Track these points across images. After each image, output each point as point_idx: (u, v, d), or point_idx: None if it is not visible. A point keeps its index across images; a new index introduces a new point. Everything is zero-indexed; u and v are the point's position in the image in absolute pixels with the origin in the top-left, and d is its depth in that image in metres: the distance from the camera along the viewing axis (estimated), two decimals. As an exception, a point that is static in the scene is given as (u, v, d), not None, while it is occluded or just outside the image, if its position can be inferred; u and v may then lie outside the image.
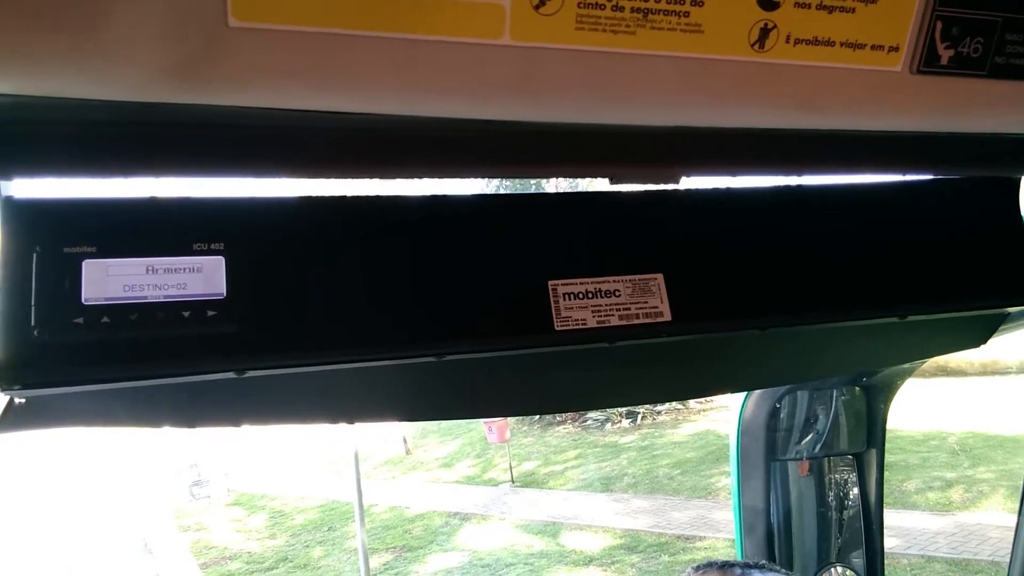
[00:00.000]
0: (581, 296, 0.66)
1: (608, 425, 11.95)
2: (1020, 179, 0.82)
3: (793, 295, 0.72)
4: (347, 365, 0.62)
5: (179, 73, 0.41)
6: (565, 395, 0.82)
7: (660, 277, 0.68)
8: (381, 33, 0.43)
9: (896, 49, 0.55)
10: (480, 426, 11.36)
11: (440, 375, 0.68)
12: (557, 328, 0.65)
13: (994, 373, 10.13)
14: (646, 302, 0.67)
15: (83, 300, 0.54)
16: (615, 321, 0.66)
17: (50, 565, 8.28)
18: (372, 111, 0.48)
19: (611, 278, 0.67)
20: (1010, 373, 10.31)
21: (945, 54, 0.56)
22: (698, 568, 0.70)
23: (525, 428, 12.14)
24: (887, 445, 1.66)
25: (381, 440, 13.38)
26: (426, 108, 0.49)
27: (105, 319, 0.54)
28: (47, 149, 0.50)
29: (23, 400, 0.58)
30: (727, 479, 8.64)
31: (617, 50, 0.49)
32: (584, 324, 0.66)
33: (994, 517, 6.53)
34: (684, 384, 0.85)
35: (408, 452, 13.24)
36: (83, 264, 0.55)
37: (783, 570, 0.69)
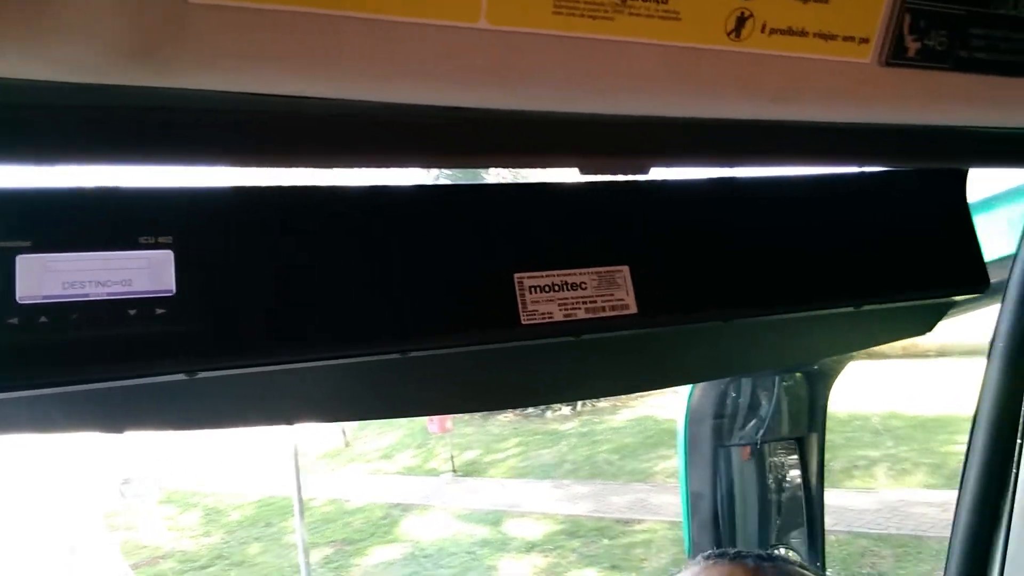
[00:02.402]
0: (547, 289, 0.65)
1: (549, 413, 12.04)
2: (967, 171, 0.84)
3: (756, 286, 0.72)
4: (306, 364, 0.60)
5: (135, 53, 0.37)
6: (531, 389, 0.81)
7: (626, 269, 0.68)
8: (350, 13, 0.41)
9: (866, 41, 0.55)
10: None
11: (403, 371, 0.66)
12: (524, 322, 0.63)
13: (914, 356, 10.62)
14: (612, 294, 0.67)
15: (17, 299, 0.50)
16: (582, 314, 0.65)
17: (-33, 572, 7.89)
18: (339, 96, 0.45)
19: (577, 271, 0.66)
20: (929, 356, 10.82)
21: (912, 47, 0.56)
22: (708, 556, 0.70)
23: (467, 418, 12.13)
24: None
25: (319, 433, 13.17)
26: (396, 94, 0.47)
27: (43, 319, 0.50)
28: None
29: None
30: (664, 463, 8.83)
31: (594, 36, 0.47)
32: (551, 317, 0.64)
33: (916, 494, 6.87)
34: (650, 375, 0.85)
35: (347, 444, 13.07)
36: (16, 259, 0.51)
37: (794, 560, 0.70)
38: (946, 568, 1.10)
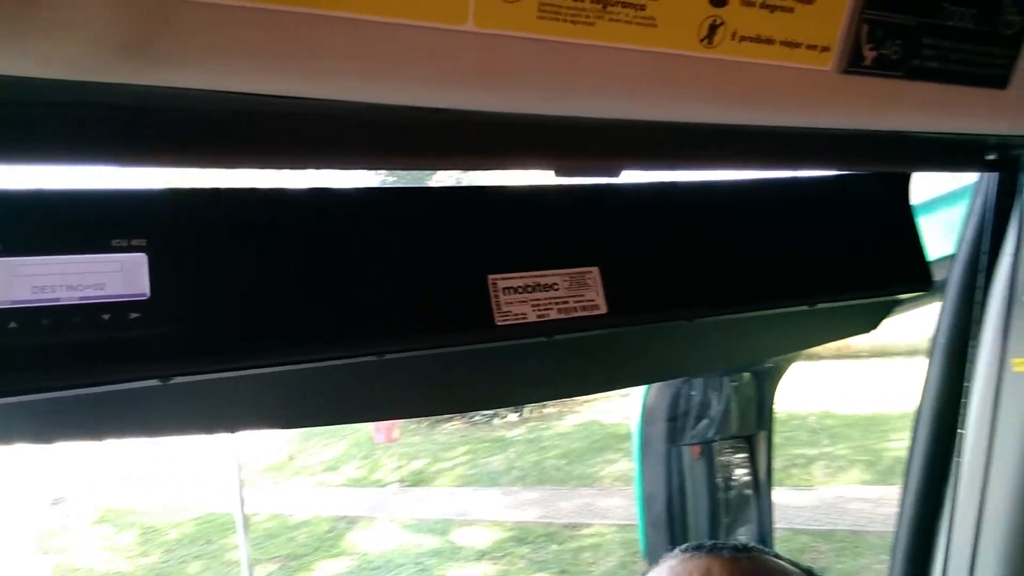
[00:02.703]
0: (520, 290, 0.66)
1: (496, 420, 12.04)
2: (911, 175, 0.89)
3: (716, 286, 0.74)
4: (280, 368, 0.59)
5: (125, 49, 0.37)
6: (504, 390, 0.81)
7: (596, 270, 0.69)
8: (341, 13, 0.41)
9: (827, 49, 0.58)
10: (367, 427, 11.14)
11: (378, 374, 0.66)
12: (498, 323, 0.64)
13: (848, 357, 11.01)
14: (583, 295, 0.68)
15: None
16: (554, 315, 0.66)
17: None
18: (325, 96, 0.45)
19: (549, 272, 0.67)
20: (862, 356, 11.23)
21: (869, 55, 0.59)
22: (686, 549, 0.71)
23: (413, 427, 12.03)
24: None
25: (262, 445, 12.86)
26: (382, 94, 0.47)
27: (12, 325, 0.49)
28: None
29: None
30: (611, 467, 8.92)
31: (576, 41, 0.49)
32: (524, 318, 0.65)
33: (852, 490, 7.11)
34: (618, 375, 0.87)
35: (291, 457, 12.80)
36: None
37: (772, 552, 0.71)
38: (892, 558, 1.15)
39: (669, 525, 1.70)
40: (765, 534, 1.73)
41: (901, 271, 0.86)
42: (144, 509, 10.92)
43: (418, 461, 11.06)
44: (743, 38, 0.54)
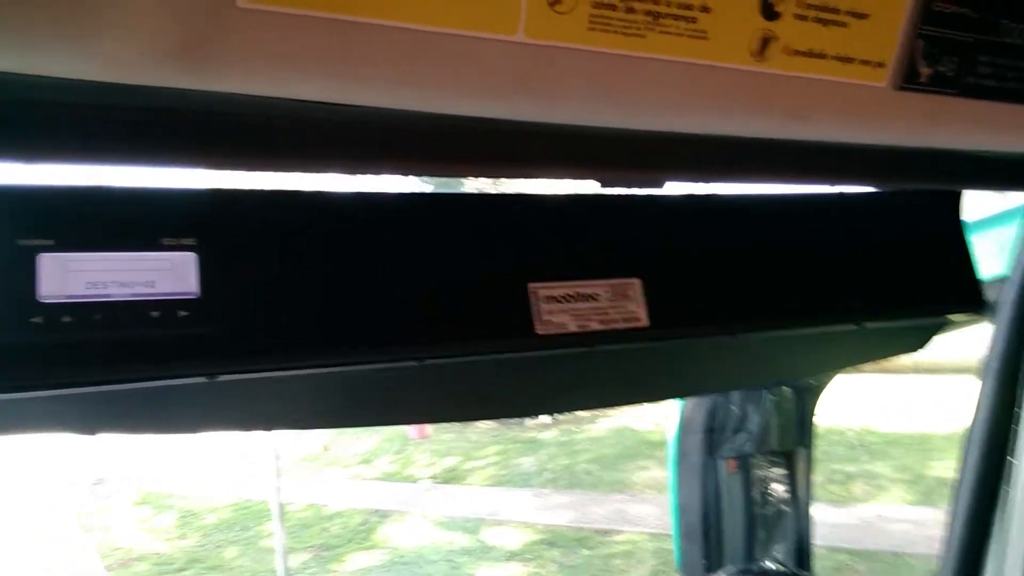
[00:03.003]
0: (561, 300, 0.66)
1: (528, 421, 12.03)
2: (961, 192, 0.86)
3: (762, 302, 0.73)
4: (324, 370, 0.60)
5: (181, 55, 0.37)
6: (541, 398, 0.81)
7: (638, 282, 0.69)
8: (396, 23, 0.41)
9: (882, 65, 0.56)
10: (401, 422, 11.21)
11: (418, 377, 0.66)
12: (538, 332, 0.64)
13: (889, 372, 10.75)
14: (624, 307, 0.67)
15: (39, 298, 0.50)
16: (595, 326, 0.66)
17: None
18: (374, 104, 0.46)
19: (590, 282, 0.67)
20: (904, 372, 10.95)
21: (924, 72, 0.57)
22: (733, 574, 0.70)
23: (446, 424, 12.09)
24: None
25: (297, 436, 13.07)
26: (430, 104, 0.47)
27: (65, 319, 0.50)
28: (24, 132, 0.45)
29: None
30: (644, 473, 8.84)
31: (626, 52, 0.48)
32: (565, 328, 0.65)
33: (892, 510, 6.93)
34: (658, 387, 0.86)
35: (326, 448, 12.97)
36: (39, 258, 0.51)
37: None
38: (938, 582, 1.12)
39: (704, 538, 1.68)
40: (803, 553, 1.69)
41: (953, 291, 0.84)
42: (183, 493, 11.17)
43: (450, 458, 11.12)
44: (795, 52, 0.53)
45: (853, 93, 0.57)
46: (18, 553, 8.51)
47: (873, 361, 0.97)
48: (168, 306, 0.53)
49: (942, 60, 0.58)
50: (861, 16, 0.53)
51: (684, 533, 1.70)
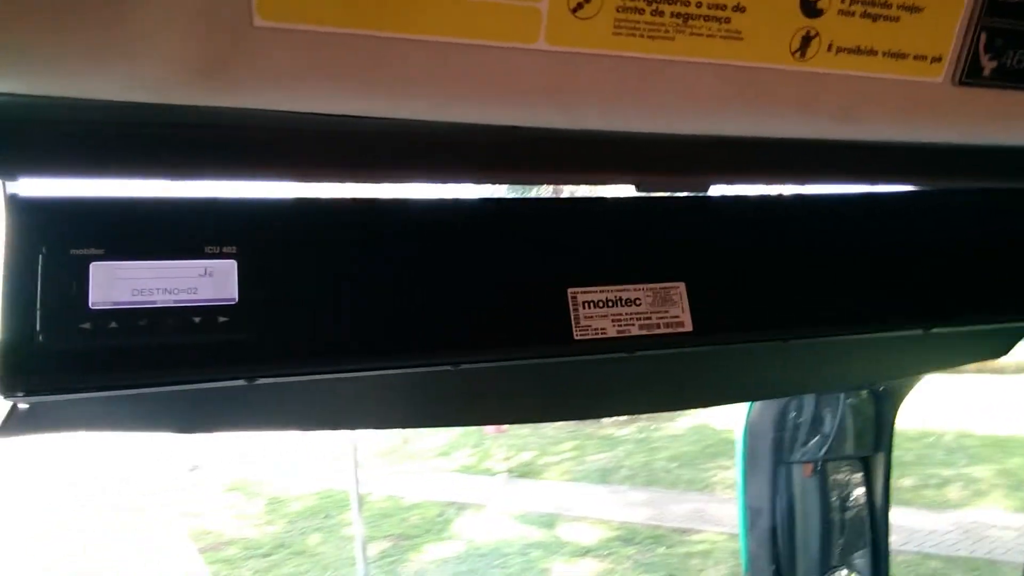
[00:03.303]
0: (601, 304, 0.65)
1: (605, 418, 11.94)
2: None
3: (817, 306, 0.70)
4: (361, 373, 0.61)
5: (202, 74, 0.39)
6: (583, 403, 0.81)
7: (682, 286, 0.67)
8: (413, 36, 0.42)
9: (939, 60, 0.53)
10: (478, 416, 11.30)
11: (456, 382, 0.67)
12: (576, 337, 0.63)
13: (990, 372, 10.14)
14: (667, 311, 0.66)
15: (90, 305, 0.52)
16: (635, 331, 0.65)
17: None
18: (399, 116, 0.46)
19: (632, 286, 0.66)
20: (1006, 373, 10.32)
21: (988, 66, 0.54)
22: None
23: (522, 419, 12.10)
24: None
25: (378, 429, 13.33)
26: (455, 113, 0.47)
27: (113, 324, 0.53)
28: (59, 149, 0.48)
29: (26, 405, 0.56)
30: (724, 473, 8.65)
31: (655, 56, 0.47)
32: (604, 333, 0.64)
33: (990, 515, 6.55)
34: (706, 393, 0.84)
35: (405, 441, 13.24)
36: (90, 267, 0.53)
37: None
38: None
39: (773, 543, 1.63)
40: (880, 562, 1.62)
41: None
42: (270, 481, 11.61)
43: (527, 453, 11.16)
44: (840, 50, 0.50)
45: (907, 90, 0.54)
46: (116, 535, 9.04)
47: (949, 368, 0.92)
48: (209, 311, 0.55)
49: (1007, 53, 0.54)
50: (914, 9, 0.51)
51: (752, 537, 1.65)
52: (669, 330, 0.65)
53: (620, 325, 0.64)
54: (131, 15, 0.36)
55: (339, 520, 9.45)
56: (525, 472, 10.49)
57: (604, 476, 9.62)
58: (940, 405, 9.03)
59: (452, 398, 0.71)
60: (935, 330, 0.75)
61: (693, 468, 9.18)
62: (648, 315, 0.65)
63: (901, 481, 7.45)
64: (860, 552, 1.63)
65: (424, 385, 0.68)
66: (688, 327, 0.66)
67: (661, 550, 7.14)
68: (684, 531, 7.48)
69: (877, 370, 0.97)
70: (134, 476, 11.09)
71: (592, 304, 0.64)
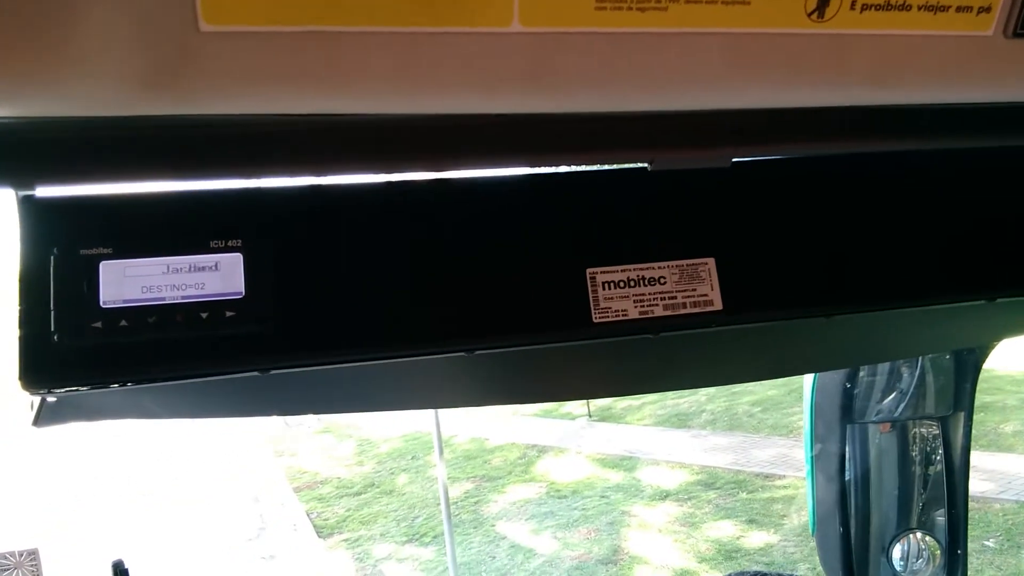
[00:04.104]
0: (622, 285, 0.61)
1: (687, 361, 11.79)
2: None
3: (862, 278, 0.65)
4: (376, 362, 0.60)
5: (151, 85, 0.38)
6: (607, 382, 0.78)
7: (711, 262, 0.63)
8: (372, 28, 0.39)
9: (987, 10, 0.46)
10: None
11: (473, 365, 0.65)
12: (596, 320, 0.60)
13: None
14: (695, 289, 0.62)
15: (101, 303, 0.53)
16: (659, 311, 0.61)
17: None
18: (371, 112, 0.44)
19: (656, 264, 0.62)
20: None
21: None
22: None
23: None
24: (984, 386, 1.54)
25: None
26: (430, 105, 0.45)
27: (123, 322, 0.53)
28: (57, 160, 0.48)
29: (54, 399, 0.59)
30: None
31: (646, 30, 0.43)
32: (625, 315, 0.61)
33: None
34: (741, 370, 0.80)
35: (488, 385, 13.49)
36: (100, 266, 0.54)
37: None
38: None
39: (842, 506, 1.58)
40: (956, 524, 1.55)
41: None
42: (361, 424, 12.11)
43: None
44: (866, 7, 0.44)
45: (950, 47, 0.47)
46: (215, 476, 9.66)
47: (1014, 336, 0.84)
48: (216, 306, 0.55)
49: None
50: None
51: (821, 498, 1.60)
52: (696, 310, 0.62)
53: (643, 306, 0.61)
54: (74, 35, 0.34)
55: (425, 461, 9.80)
56: (605, 416, 10.55)
57: (685, 420, 9.57)
58: (1049, 346, 8.48)
59: (472, 380, 0.70)
60: (1000, 300, 0.68)
61: (777, 412, 9.01)
62: (673, 294, 0.62)
63: (1003, 426, 7.10)
64: (936, 515, 1.55)
65: (443, 368, 0.67)
66: (718, 305, 0.62)
67: (743, 495, 7.09)
68: (767, 476, 7.39)
69: (937, 341, 0.90)
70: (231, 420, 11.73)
71: (612, 285, 0.61)
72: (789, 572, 1.21)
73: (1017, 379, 8.05)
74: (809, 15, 0.44)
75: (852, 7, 0.44)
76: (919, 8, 0.45)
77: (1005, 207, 0.67)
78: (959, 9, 0.46)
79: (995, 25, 0.46)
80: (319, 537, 7.73)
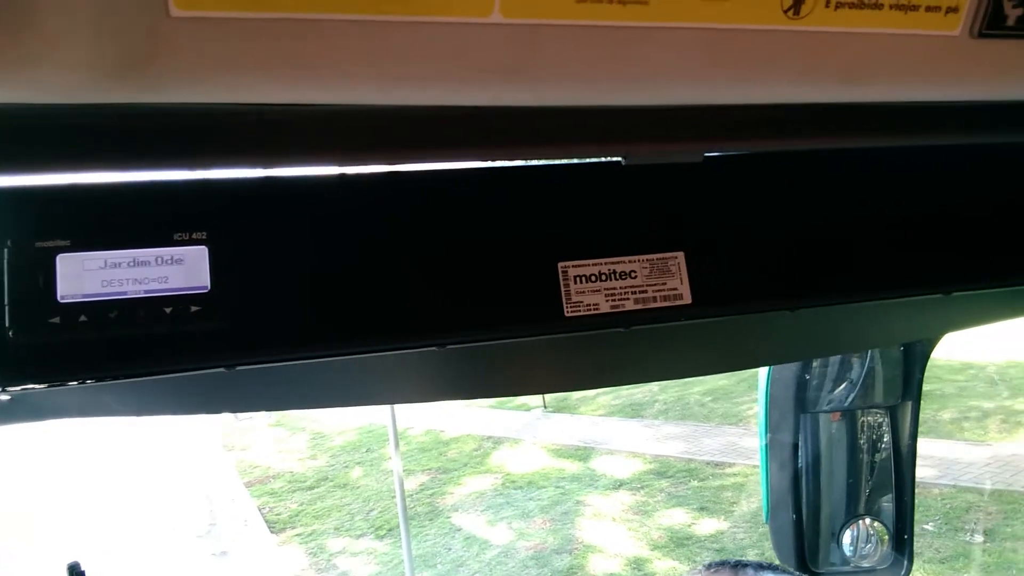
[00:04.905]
0: (594, 279, 0.61)
1: (640, 352, 11.95)
2: None
3: (826, 272, 0.66)
4: (345, 357, 0.59)
5: (118, 71, 0.36)
6: (580, 376, 0.78)
7: (681, 256, 0.63)
8: (348, 16, 0.38)
9: (955, 10, 0.47)
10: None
11: (445, 360, 0.65)
12: (567, 314, 0.60)
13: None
14: (664, 283, 0.62)
15: (58, 298, 0.51)
16: (630, 305, 0.61)
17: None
18: (345, 102, 0.43)
19: (627, 258, 0.62)
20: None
21: (1013, 14, 0.48)
22: (710, 566, 0.67)
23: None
24: None
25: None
26: (407, 96, 0.44)
27: (83, 318, 0.51)
28: (10, 149, 0.46)
29: (7, 397, 0.56)
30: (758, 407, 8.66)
31: (627, 24, 0.42)
32: (596, 309, 0.61)
33: (1031, 449, 6.47)
34: (708, 361, 0.81)
35: (442, 376, 13.47)
36: (57, 259, 0.52)
37: (794, 572, 0.67)
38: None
39: (795, 493, 1.62)
40: (903, 511, 1.60)
41: None
42: (314, 416, 11.96)
43: (562, 388, 11.27)
44: (840, 5, 0.45)
45: (919, 46, 0.48)
46: (163, 472, 9.45)
47: (973, 327, 0.87)
48: (181, 301, 0.53)
49: None
50: None
51: (774, 486, 1.64)
52: (666, 303, 0.62)
53: (614, 300, 0.61)
54: (36, 19, 0.33)
55: (380, 454, 9.74)
56: (560, 407, 10.63)
57: (639, 410, 9.71)
58: (985, 337, 8.83)
59: (444, 374, 0.70)
60: (956, 294, 0.70)
61: (728, 401, 9.20)
62: (644, 288, 0.62)
63: (941, 414, 7.37)
64: (884, 502, 1.61)
65: (415, 363, 0.66)
66: (687, 299, 0.62)
67: (694, 483, 7.23)
68: (717, 464, 7.54)
69: (894, 333, 0.92)
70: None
71: (584, 279, 0.61)
72: (759, 560, 1.24)
73: (955, 367, 8.37)
74: (785, 12, 0.45)
75: (827, 5, 0.45)
76: (890, 7, 0.46)
77: (961, 204, 0.69)
78: (928, 9, 0.47)
79: (962, 25, 0.48)
80: (271, 532, 7.62)
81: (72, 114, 0.39)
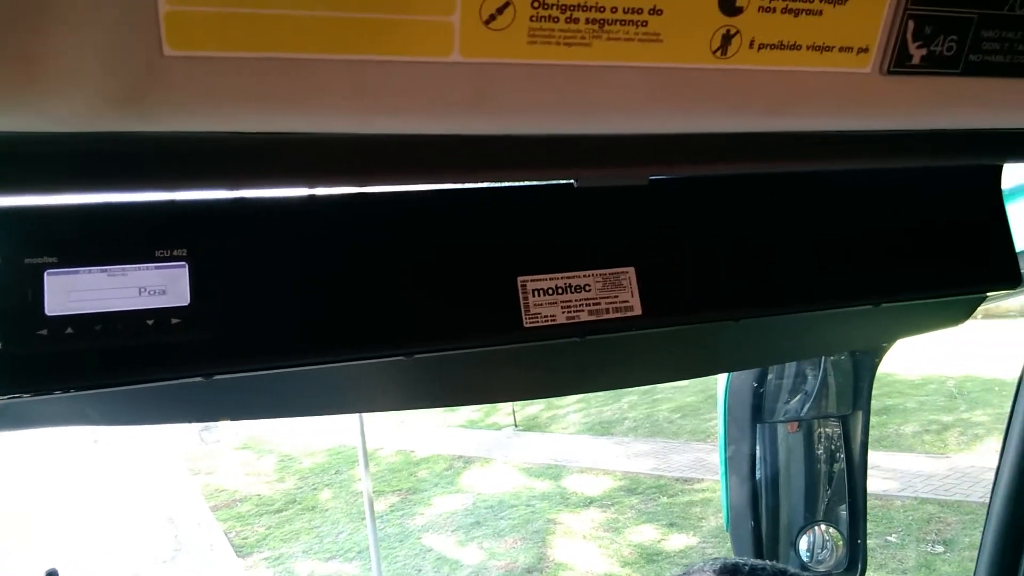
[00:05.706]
0: (551, 292, 0.66)
1: (610, 370, 12.03)
2: (1001, 167, 0.81)
3: (767, 285, 0.72)
4: (315, 367, 0.63)
5: (115, 104, 0.40)
6: (537, 384, 0.83)
7: (631, 271, 0.68)
8: (325, 55, 0.42)
9: (865, 51, 0.53)
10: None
11: (412, 369, 0.69)
12: (526, 325, 0.65)
13: (994, 317, 10.16)
14: (616, 296, 0.67)
15: (46, 312, 0.54)
16: (585, 316, 0.66)
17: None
18: (323, 131, 0.47)
19: (581, 273, 0.67)
20: (1010, 316, 10.34)
21: (917, 53, 0.54)
22: (723, 571, 0.71)
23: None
24: (886, 390, 1.67)
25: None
26: (379, 126, 0.48)
27: (69, 330, 0.55)
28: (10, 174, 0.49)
29: None
30: (726, 423, 8.76)
31: (573, 62, 0.48)
32: (553, 320, 0.66)
33: (988, 460, 6.64)
34: (660, 370, 0.86)
35: (413, 397, 13.40)
36: (45, 275, 0.55)
37: (792, 569, 0.70)
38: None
39: (754, 502, 1.68)
40: (856, 517, 1.66)
41: (987, 269, 0.79)
42: (282, 439, 11.83)
43: (532, 407, 11.31)
44: (763, 46, 0.51)
45: (836, 82, 0.54)
46: (127, 497, 9.25)
47: (907, 336, 0.93)
48: (162, 315, 0.57)
49: (937, 40, 0.54)
50: (837, 2, 0.51)
51: (734, 495, 1.69)
52: (618, 315, 0.67)
53: (569, 311, 0.66)
54: (35, 54, 0.36)
55: (349, 476, 9.65)
56: (531, 426, 10.66)
57: (609, 428, 9.77)
58: (943, 351, 9.06)
59: (411, 383, 0.74)
60: (884, 305, 0.76)
61: (696, 418, 9.31)
62: (597, 300, 0.67)
63: (903, 428, 7.54)
64: (838, 508, 1.67)
65: (384, 372, 0.70)
66: (637, 311, 0.68)
67: (663, 499, 7.29)
68: (686, 480, 7.62)
69: (833, 342, 0.99)
70: (144, 435, 11.27)
71: (542, 292, 0.66)
72: (782, 566, 1.25)
73: (916, 383, 8.58)
74: (714, 52, 0.50)
75: (751, 46, 0.50)
76: (808, 48, 0.52)
77: (887, 223, 0.76)
78: (842, 49, 0.53)
79: (872, 63, 0.53)
80: (238, 556, 7.51)
81: (69, 142, 0.43)
